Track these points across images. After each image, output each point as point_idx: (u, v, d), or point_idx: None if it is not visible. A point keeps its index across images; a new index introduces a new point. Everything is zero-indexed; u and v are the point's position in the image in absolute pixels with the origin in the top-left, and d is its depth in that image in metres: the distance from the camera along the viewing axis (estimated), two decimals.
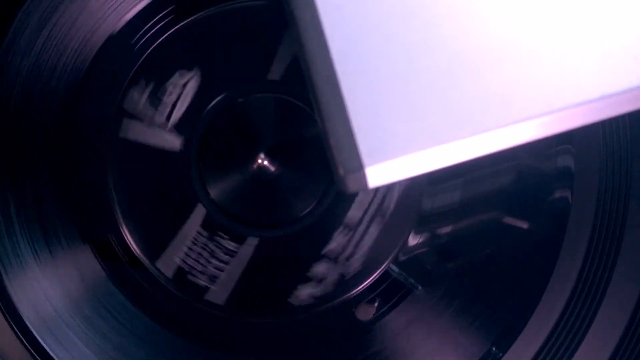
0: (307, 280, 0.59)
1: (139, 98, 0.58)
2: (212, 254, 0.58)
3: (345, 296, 0.59)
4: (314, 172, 0.59)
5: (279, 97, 0.59)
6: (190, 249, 0.58)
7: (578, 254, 0.56)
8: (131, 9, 0.58)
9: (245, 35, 0.58)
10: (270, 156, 0.59)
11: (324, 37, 0.36)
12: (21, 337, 0.56)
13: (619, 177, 0.56)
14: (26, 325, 0.56)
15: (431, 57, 0.36)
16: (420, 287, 0.59)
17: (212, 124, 0.58)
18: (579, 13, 0.36)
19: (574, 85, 0.36)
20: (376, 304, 0.59)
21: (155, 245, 0.59)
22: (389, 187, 0.58)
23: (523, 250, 0.58)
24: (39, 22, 0.56)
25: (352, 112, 0.36)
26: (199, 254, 0.58)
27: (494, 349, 0.57)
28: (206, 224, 0.58)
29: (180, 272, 0.59)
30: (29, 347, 0.56)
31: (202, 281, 0.59)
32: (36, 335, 0.56)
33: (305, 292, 0.59)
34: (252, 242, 0.59)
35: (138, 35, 0.58)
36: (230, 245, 0.59)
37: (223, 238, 0.58)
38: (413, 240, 0.59)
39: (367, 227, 0.58)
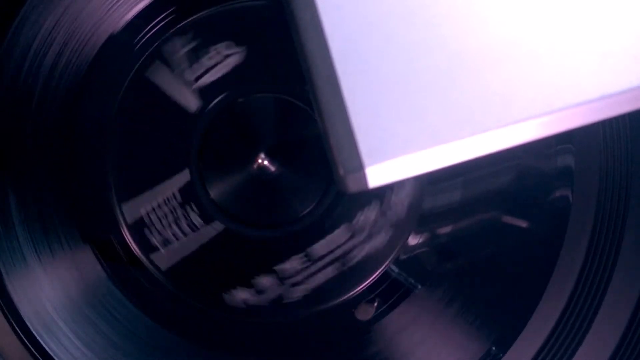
0: (248, 285, 0.58)
1: (180, 48, 0.57)
2: (176, 220, 0.58)
3: (345, 296, 0.59)
4: (313, 172, 0.59)
5: (279, 97, 0.59)
6: (159, 206, 0.58)
7: (578, 254, 0.56)
8: (132, 8, 0.58)
9: (245, 35, 0.58)
10: (270, 156, 0.59)
11: (324, 37, 0.36)
12: (21, 337, 0.56)
13: (619, 177, 0.56)
14: (26, 325, 0.56)
15: (431, 57, 0.36)
16: (420, 287, 0.59)
17: (212, 124, 0.58)
18: (579, 13, 0.36)
19: (574, 85, 0.36)
20: (376, 304, 0.59)
21: (131, 190, 0.58)
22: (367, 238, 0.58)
23: (523, 250, 0.58)
24: (39, 22, 0.56)
25: (352, 112, 0.36)
26: (165, 214, 0.58)
27: (494, 349, 0.57)
28: (184, 190, 0.58)
29: (139, 222, 0.58)
30: (29, 347, 0.56)
31: (155, 240, 0.58)
32: (36, 335, 0.56)
33: (240, 295, 0.58)
34: (217, 227, 0.58)
35: (139, 36, 0.58)
36: (197, 220, 0.58)
37: (193, 210, 0.58)
38: (413, 240, 0.59)
39: (324, 267, 0.58)
